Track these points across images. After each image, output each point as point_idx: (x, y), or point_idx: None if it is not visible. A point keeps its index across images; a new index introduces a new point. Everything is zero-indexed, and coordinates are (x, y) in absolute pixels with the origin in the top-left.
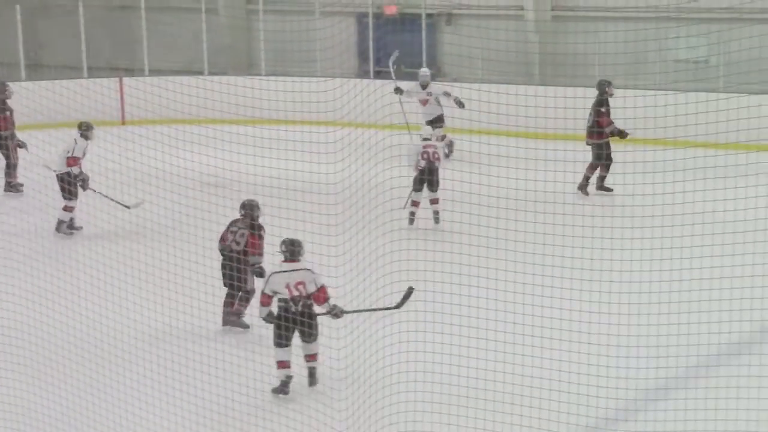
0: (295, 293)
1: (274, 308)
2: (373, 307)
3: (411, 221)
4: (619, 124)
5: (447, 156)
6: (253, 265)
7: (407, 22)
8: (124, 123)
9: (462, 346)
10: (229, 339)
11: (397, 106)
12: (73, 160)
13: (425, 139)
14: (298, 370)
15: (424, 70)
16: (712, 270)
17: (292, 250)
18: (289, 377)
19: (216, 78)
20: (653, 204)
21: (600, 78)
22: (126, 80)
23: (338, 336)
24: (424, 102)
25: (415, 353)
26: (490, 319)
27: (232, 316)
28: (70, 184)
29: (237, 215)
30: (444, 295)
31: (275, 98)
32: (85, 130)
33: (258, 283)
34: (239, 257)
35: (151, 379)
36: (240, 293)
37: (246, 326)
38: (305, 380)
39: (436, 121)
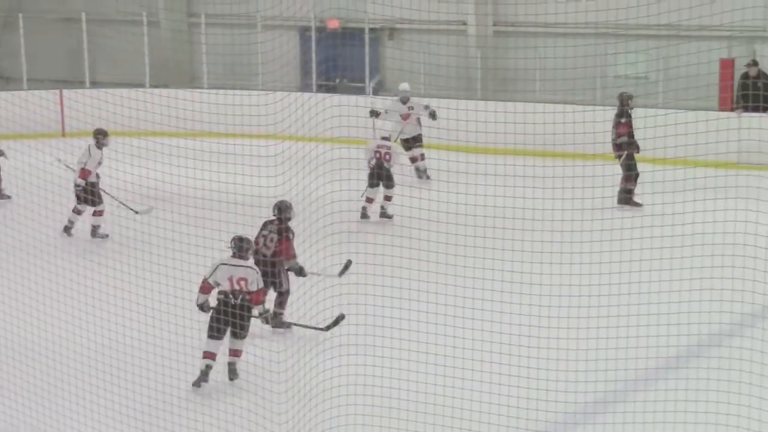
0: (236, 287)
1: (213, 300)
2: (301, 322)
3: (362, 215)
4: (558, 140)
5: (425, 177)
6: (288, 268)
7: (350, 36)
8: (64, 135)
9: (402, 359)
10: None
11: (341, 120)
12: (85, 172)
13: (384, 138)
14: (222, 370)
15: (404, 85)
16: (650, 284)
17: (240, 246)
18: (209, 367)
19: (157, 91)
20: (592, 219)
21: (622, 92)
22: (66, 92)
23: (279, 349)
24: (406, 117)
25: (355, 366)
26: (430, 333)
27: (274, 317)
28: (93, 190)
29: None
30: (384, 309)
31: (216, 111)
32: (100, 137)
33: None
34: (272, 260)
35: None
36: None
37: (288, 326)
38: (245, 395)
39: (415, 141)
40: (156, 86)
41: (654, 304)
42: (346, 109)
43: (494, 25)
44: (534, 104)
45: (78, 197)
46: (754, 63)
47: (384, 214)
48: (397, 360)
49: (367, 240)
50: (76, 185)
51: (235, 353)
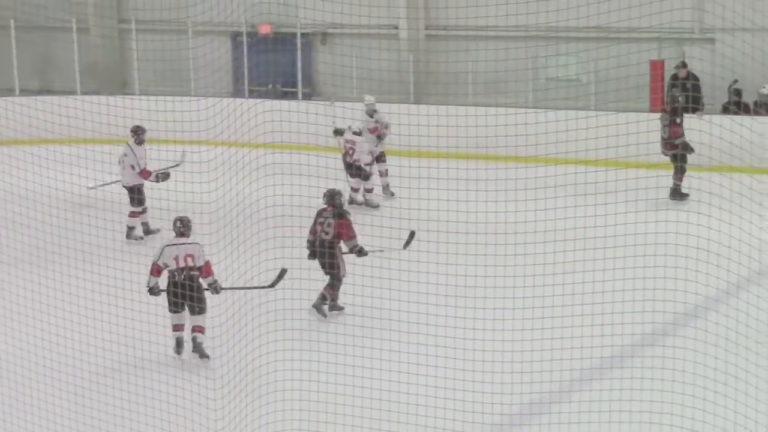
0: (182, 264)
1: (163, 282)
2: (248, 285)
3: (349, 201)
4: (491, 143)
5: (388, 194)
6: (351, 249)
7: (282, 41)
8: None
9: (347, 355)
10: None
11: (274, 125)
12: (146, 173)
13: (354, 133)
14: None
15: (369, 98)
16: (584, 285)
17: (182, 226)
18: (180, 339)
19: (88, 98)
20: (525, 221)
21: (672, 93)
22: None
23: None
24: (374, 130)
25: (300, 362)
26: (375, 328)
27: (328, 301)
28: (140, 192)
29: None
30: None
31: (148, 118)
32: (139, 134)
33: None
34: (331, 244)
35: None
36: (332, 280)
37: (341, 308)
38: (186, 393)
39: (381, 158)
40: (87, 93)
41: (588, 304)
42: (278, 114)
43: (426, 28)
44: (466, 107)
45: (131, 200)
46: (683, 64)
47: (368, 203)
48: (342, 356)
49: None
50: (132, 187)
51: (197, 329)
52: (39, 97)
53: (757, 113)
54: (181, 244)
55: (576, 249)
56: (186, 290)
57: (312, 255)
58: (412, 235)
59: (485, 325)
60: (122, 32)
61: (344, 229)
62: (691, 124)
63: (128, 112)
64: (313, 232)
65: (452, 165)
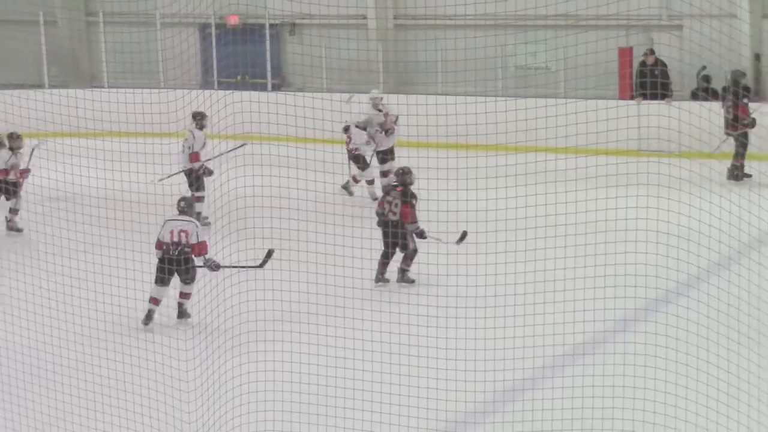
0: (176, 239)
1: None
2: (241, 264)
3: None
4: (460, 131)
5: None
6: (413, 231)
7: (250, 32)
8: None
9: (311, 354)
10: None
11: (243, 116)
12: (194, 156)
13: (356, 125)
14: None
15: (375, 91)
16: (555, 272)
17: (185, 204)
18: (151, 311)
19: (56, 91)
20: (496, 209)
21: (734, 70)
22: None
23: (187, 338)
24: (384, 124)
25: (265, 362)
26: (339, 327)
27: (400, 273)
28: (197, 177)
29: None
30: (283, 303)
31: (117, 110)
32: (198, 120)
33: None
34: (399, 224)
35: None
36: (407, 254)
37: (411, 281)
38: (153, 394)
39: (390, 153)
40: (55, 86)
41: (560, 291)
42: (248, 105)
43: (394, 18)
44: (436, 96)
45: (190, 184)
46: (651, 51)
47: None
48: (306, 354)
49: (272, 235)
50: (187, 171)
51: (183, 296)
52: (7, 91)
53: (724, 99)
54: (177, 220)
55: (546, 236)
56: (175, 265)
57: (381, 224)
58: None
59: (457, 314)
60: (90, 25)
61: (408, 213)
62: (660, 110)
63: (97, 104)
64: (381, 205)
65: (422, 154)
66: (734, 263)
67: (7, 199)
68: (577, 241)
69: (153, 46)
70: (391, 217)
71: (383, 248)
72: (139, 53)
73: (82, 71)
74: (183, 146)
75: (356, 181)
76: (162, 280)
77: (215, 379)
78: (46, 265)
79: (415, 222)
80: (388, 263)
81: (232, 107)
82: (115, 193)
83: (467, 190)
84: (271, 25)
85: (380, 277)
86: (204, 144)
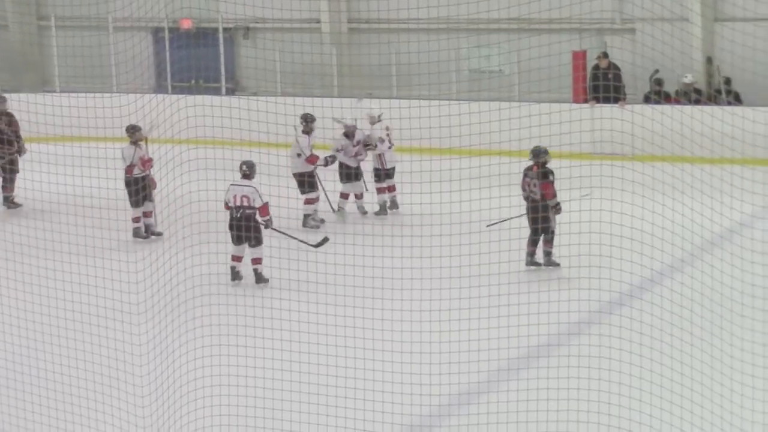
0: (238, 203)
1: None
2: (298, 238)
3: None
4: (414, 135)
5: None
6: (553, 207)
7: (204, 36)
8: None
9: (267, 348)
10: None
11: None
12: (313, 158)
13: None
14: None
15: (367, 102)
16: (509, 275)
17: (246, 170)
18: (233, 268)
19: (8, 95)
20: (450, 212)
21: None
22: None
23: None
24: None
25: (228, 357)
26: (293, 331)
27: (545, 256)
28: (310, 176)
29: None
30: (246, 308)
31: (69, 114)
32: (308, 122)
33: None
34: (538, 204)
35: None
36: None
37: (557, 264)
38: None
39: (392, 173)
40: (6, 91)
41: (514, 294)
42: (201, 110)
43: (348, 22)
44: (390, 100)
45: (301, 185)
46: (605, 55)
47: (358, 209)
48: (261, 349)
49: (228, 239)
50: (300, 174)
51: (255, 261)
52: None
53: (677, 102)
54: (239, 185)
55: (501, 240)
56: (243, 227)
57: (531, 210)
58: (325, 239)
59: (412, 317)
60: (42, 29)
61: (548, 190)
62: (613, 113)
63: (49, 109)
64: (523, 188)
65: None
66: (687, 265)
67: (137, 204)
68: (523, 245)
69: (105, 50)
70: (534, 197)
71: (530, 231)
72: (92, 57)
73: (34, 76)
74: (292, 152)
75: (343, 196)
76: (234, 238)
77: (170, 373)
78: (6, 272)
79: (554, 197)
80: (536, 245)
81: (185, 111)
82: (68, 198)
83: (421, 193)
84: (225, 29)
85: (530, 260)
86: (311, 146)
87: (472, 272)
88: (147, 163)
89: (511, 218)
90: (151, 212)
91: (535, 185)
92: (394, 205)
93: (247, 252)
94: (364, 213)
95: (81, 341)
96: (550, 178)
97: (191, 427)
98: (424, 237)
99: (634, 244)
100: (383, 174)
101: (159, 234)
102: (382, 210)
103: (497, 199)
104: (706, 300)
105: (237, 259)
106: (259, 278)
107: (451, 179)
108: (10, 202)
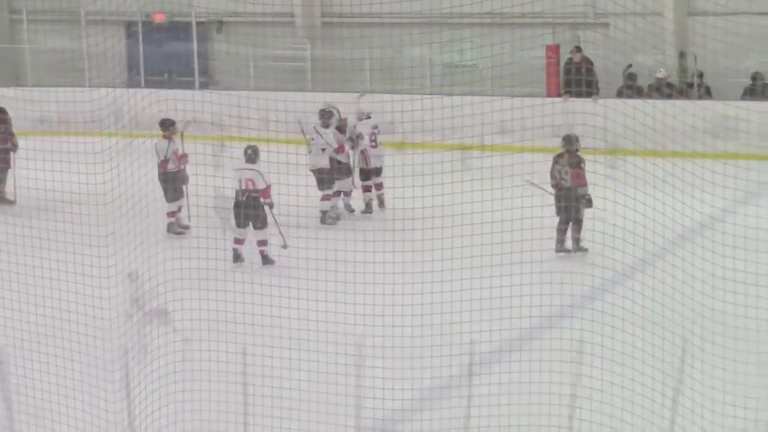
0: (244, 187)
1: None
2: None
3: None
4: (388, 129)
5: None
6: (582, 195)
7: (177, 30)
8: None
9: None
10: None
11: (169, 114)
12: (341, 147)
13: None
14: None
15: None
16: (482, 269)
17: (250, 154)
18: (235, 251)
19: None
20: (423, 207)
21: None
22: None
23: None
24: (373, 137)
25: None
26: (266, 326)
27: (574, 243)
28: (329, 173)
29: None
30: (209, 302)
31: (41, 109)
32: (326, 118)
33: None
34: (569, 192)
35: None
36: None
37: (585, 250)
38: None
39: (380, 172)
40: None
41: (486, 288)
42: (173, 104)
43: (322, 16)
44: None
45: (321, 182)
46: (578, 49)
47: (345, 207)
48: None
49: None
50: (320, 169)
51: (260, 243)
52: None
53: (650, 96)
54: (244, 169)
55: (473, 234)
56: (248, 208)
57: (559, 199)
58: None
59: (375, 311)
60: (13, 23)
61: (580, 178)
62: (586, 108)
63: (20, 103)
64: (552, 176)
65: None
66: (659, 259)
67: (174, 199)
68: (504, 238)
69: (78, 44)
70: (564, 184)
71: (558, 219)
72: (64, 51)
73: (6, 70)
74: (310, 147)
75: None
76: (238, 221)
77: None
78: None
79: (585, 185)
80: (565, 233)
81: (157, 105)
82: (38, 192)
83: (393, 188)
84: (198, 23)
85: (560, 247)
86: (332, 140)
87: (444, 266)
88: (182, 158)
89: (545, 191)
90: (181, 207)
91: (566, 173)
92: (381, 203)
93: (252, 234)
94: (352, 211)
95: (69, 339)
96: (582, 165)
97: (178, 417)
98: (396, 231)
99: (606, 238)
100: (368, 172)
101: (186, 227)
102: (368, 208)
103: (469, 192)
104: (677, 294)
105: (239, 241)
106: (266, 260)
107: (423, 173)
108: (0, 199)
